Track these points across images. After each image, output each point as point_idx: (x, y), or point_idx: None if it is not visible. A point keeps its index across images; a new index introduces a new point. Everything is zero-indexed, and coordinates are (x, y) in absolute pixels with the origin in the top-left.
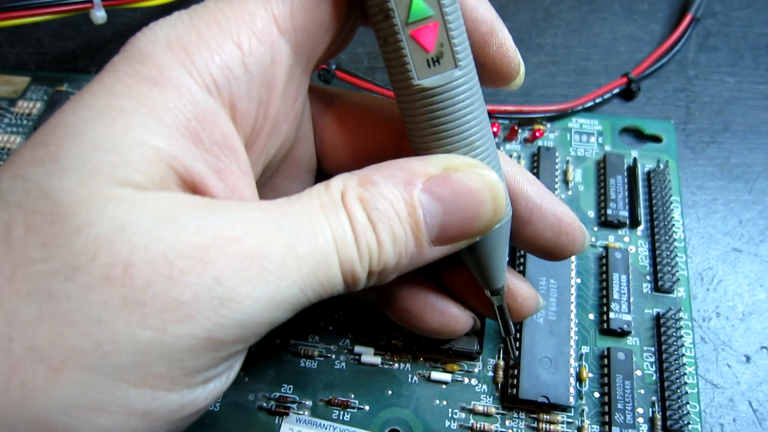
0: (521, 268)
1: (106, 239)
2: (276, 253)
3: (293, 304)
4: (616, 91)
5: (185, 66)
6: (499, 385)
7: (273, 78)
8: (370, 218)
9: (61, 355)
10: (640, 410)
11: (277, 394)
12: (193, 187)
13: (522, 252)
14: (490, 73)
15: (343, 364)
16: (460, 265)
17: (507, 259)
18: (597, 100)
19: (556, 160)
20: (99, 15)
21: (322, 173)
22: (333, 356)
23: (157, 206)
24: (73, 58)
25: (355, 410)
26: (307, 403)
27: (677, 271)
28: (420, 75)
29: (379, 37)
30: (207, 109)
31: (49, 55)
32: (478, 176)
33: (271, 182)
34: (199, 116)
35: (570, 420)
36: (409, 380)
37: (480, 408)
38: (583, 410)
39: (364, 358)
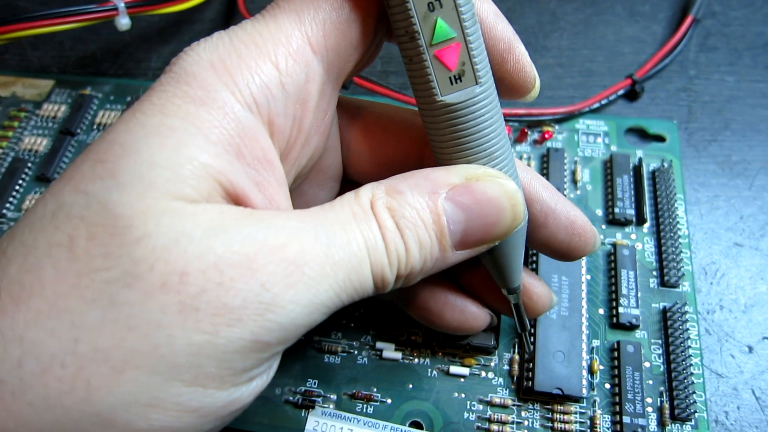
0: (534, 266)
1: (163, 249)
2: (315, 261)
3: (329, 307)
4: (621, 92)
5: (228, 86)
6: (515, 378)
7: (307, 95)
8: (398, 226)
9: (122, 357)
10: (649, 400)
11: (303, 389)
12: (236, 199)
13: (535, 251)
14: (507, 87)
15: (366, 359)
16: (477, 265)
17: (523, 260)
18: (603, 102)
19: (565, 161)
20: (123, 22)
21: (348, 180)
22: (356, 352)
23: (207, 218)
24: (94, 61)
25: (378, 403)
26: (331, 396)
27: (682, 266)
28: (443, 92)
29: (405, 56)
30: (248, 126)
31: (71, 58)
32: (497, 185)
33: (300, 189)
34: (242, 133)
35: (583, 410)
36: (429, 374)
37: (497, 400)
38: (594, 401)
39: (386, 354)
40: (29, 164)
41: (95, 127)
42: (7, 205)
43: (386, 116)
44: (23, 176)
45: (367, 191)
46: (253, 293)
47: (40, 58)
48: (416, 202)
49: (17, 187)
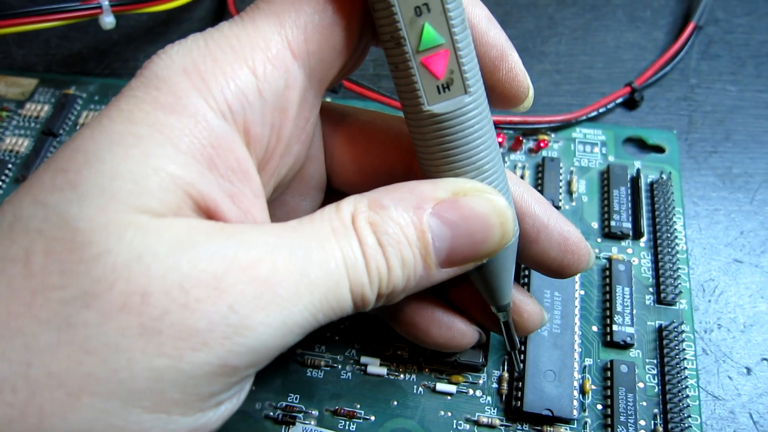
0: (526, 280)
1: (124, 267)
2: (289, 280)
3: (304, 328)
4: (620, 100)
5: (201, 92)
6: (504, 396)
7: (286, 102)
8: (380, 242)
9: (78, 382)
10: (643, 422)
11: (284, 404)
12: (208, 212)
13: (526, 266)
14: (499, 96)
15: (350, 374)
16: (466, 280)
17: (513, 276)
18: (601, 110)
19: (560, 171)
20: (108, 20)
21: (332, 189)
22: (339, 366)
23: (173, 233)
24: (80, 60)
25: (361, 420)
26: (313, 412)
27: (679, 283)
28: (430, 101)
29: (391, 63)
30: (222, 135)
31: (57, 56)
32: (486, 201)
33: (281, 199)
34: (214, 142)
35: None
36: (415, 391)
37: (484, 419)
38: (586, 423)
39: (370, 369)
40: (9, 165)
41: (78, 128)
42: None
43: (372, 124)
44: (2, 178)
45: (348, 204)
46: (220, 315)
47: (24, 56)
48: (400, 218)
49: None
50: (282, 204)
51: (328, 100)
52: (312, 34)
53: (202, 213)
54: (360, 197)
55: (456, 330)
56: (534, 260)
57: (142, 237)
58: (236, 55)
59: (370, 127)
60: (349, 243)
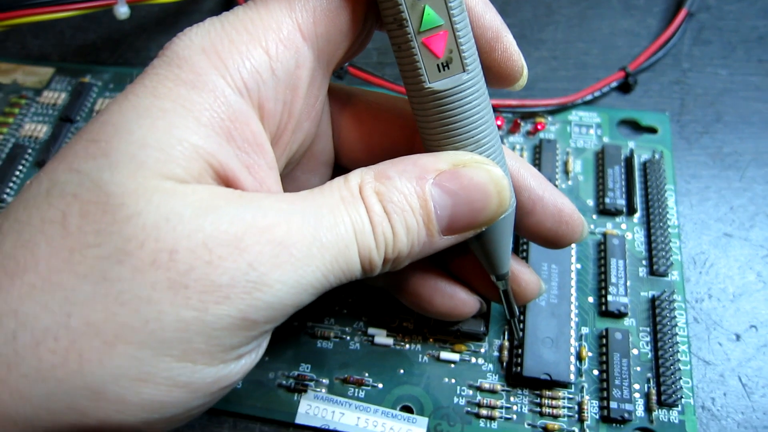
0: (524, 254)
1: (153, 227)
2: (303, 242)
3: (317, 288)
4: (614, 84)
5: (219, 70)
6: (504, 363)
7: (297, 81)
8: (385, 210)
9: (113, 331)
10: (636, 386)
11: (296, 373)
12: (226, 181)
13: (525, 239)
14: (495, 75)
15: (358, 344)
16: (467, 252)
17: (511, 246)
18: (596, 94)
19: (557, 152)
20: (122, 11)
21: (339, 166)
22: (348, 337)
23: (196, 198)
24: (94, 50)
25: (370, 388)
26: (324, 381)
27: (671, 255)
28: (431, 79)
29: (394, 44)
30: (239, 110)
31: (71, 46)
32: (484, 171)
33: (292, 174)
34: (232, 116)
35: (571, 396)
36: (420, 360)
37: (486, 385)
38: (583, 387)
39: (377, 340)
40: (29, 150)
41: (95, 114)
42: (8, 190)
43: (377, 104)
44: (23, 162)
45: (356, 176)
46: (240, 272)
47: (40, 46)
48: (404, 187)
49: (17, 173)
50: (293, 179)
51: None
52: (320, 17)
53: (221, 181)
54: (367, 169)
55: (458, 299)
56: (531, 231)
57: (168, 200)
58: (251, 37)
59: (375, 107)
60: (357, 210)
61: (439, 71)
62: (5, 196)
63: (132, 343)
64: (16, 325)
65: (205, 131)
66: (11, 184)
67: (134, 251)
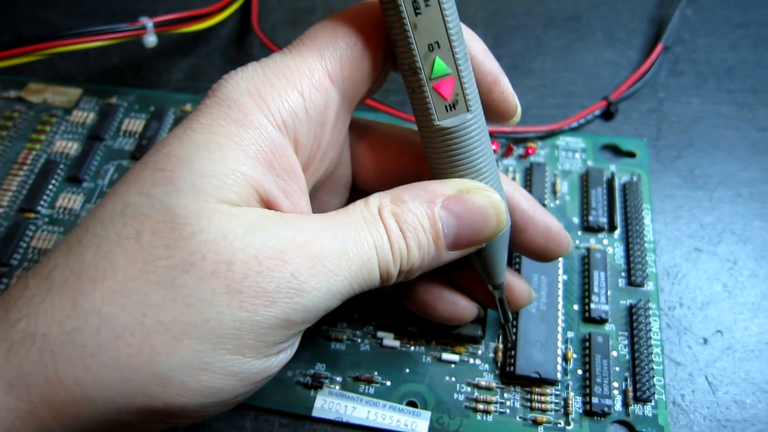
0: (517, 267)
1: (213, 243)
2: (333, 256)
3: (344, 294)
4: (598, 112)
5: (263, 110)
6: (499, 363)
7: (325, 118)
8: (401, 229)
9: (180, 328)
10: (615, 384)
11: (312, 371)
12: (268, 204)
13: (518, 254)
14: (494, 113)
15: (368, 346)
16: (467, 265)
17: (506, 260)
18: (581, 121)
19: (546, 174)
20: (150, 40)
21: (356, 189)
22: (359, 340)
23: (247, 219)
24: (118, 72)
25: (378, 385)
26: (337, 378)
27: (647, 268)
28: (440, 117)
29: (408, 87)
30: (278, 144)
31: (96, 69)
32: (485, 197)
33: (316, 196)
34: (273, 149)
35: (557, 392)
36: (424, 360)
37: (483, 383)
38: (568, 384)
39: (386, 342)
40: (61, 165)
41: (121, 133)
42: (41, 203)
43: (390, 135)
44: (56, 176)
45: (375, 199)
46: (284, 280)
47: (67, 67)
48: (416, 210)
49: (50, 187)
50: (316, 200)
51: None
52: (346, 64)
53: (264, 204)
54: (384, 194)
55: (459, 305)
56: (523, 246)
57: (225, 220)
58: (288, 81)
59: (388, 137)
60: (377, 229)
61: (447, 111)
62: (39, 208)
63: (195, 338)
64: (100, 322)
65: (252, 162)
66: (44, 197)
67: (198, 262)
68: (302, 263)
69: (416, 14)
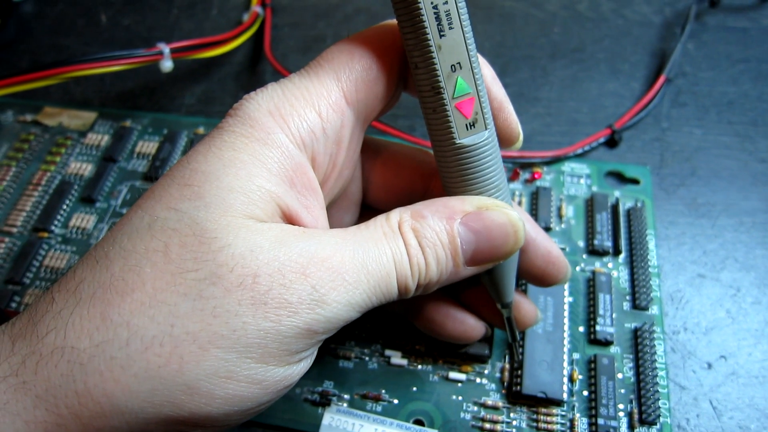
0: (524, 287)
1: (240, 256)
2: (353, 270)
3: (362, 307)
4: (602, 140)
5: (283, 129)
6: (505, 383)
7: (341, 137)
8: (420, 244)
9: (207, 338)
10: (621, 406)
11: (320, 389)
12: (290, 219)
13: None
14: (498, 138)
15: (376, 364)
16: (476, 284)
17: (515, 280)
18: (586, 148)
19: (552, 199)
20: (167, 65)
21: (366, 205)
22: (367, 358)
23: (272, 233)
24: (132, 96)
25: (386, 403)
26: (345, 396)
27: (652, 292)
28: (460, 136)
29: (429, 107)
30: (298, 162)
31: (111, 93)
32: (504, 215)
33: (329, 212)
34: (294, 167)
35: (563, 413)
36: (431, 379)
37: (489, 402)
38: (574, 405)
39: (393, 360)
40: (75, 186)
41: (135, 155)
42: (55, 222)
43: (400, 154)
44: (70, 197)
45: (396, 215)
46: (306, 293)
47: (82, 92)
48: (436, 225)
49: (64, 207)
50: (329, 216)
51: None
52: (361, 86)
53: (286, 219)
54: (404, 209)
55: (467, 324)
56: (523, 268)
57: (251, 235)
58: (306, 102)
59: (398, 157)
60: (396, 244)
61: (467, 129)
62: (53, 227)
63: (222, 347)
64: (129, 334)
65: (275, 179)
66: (59, 217)
67: (225, 275)
68: (323, 277)
69: (441, 36)
